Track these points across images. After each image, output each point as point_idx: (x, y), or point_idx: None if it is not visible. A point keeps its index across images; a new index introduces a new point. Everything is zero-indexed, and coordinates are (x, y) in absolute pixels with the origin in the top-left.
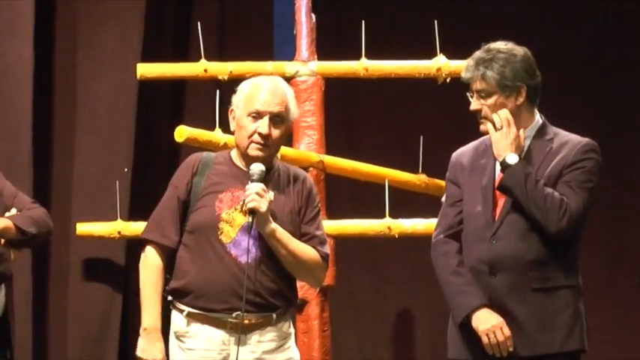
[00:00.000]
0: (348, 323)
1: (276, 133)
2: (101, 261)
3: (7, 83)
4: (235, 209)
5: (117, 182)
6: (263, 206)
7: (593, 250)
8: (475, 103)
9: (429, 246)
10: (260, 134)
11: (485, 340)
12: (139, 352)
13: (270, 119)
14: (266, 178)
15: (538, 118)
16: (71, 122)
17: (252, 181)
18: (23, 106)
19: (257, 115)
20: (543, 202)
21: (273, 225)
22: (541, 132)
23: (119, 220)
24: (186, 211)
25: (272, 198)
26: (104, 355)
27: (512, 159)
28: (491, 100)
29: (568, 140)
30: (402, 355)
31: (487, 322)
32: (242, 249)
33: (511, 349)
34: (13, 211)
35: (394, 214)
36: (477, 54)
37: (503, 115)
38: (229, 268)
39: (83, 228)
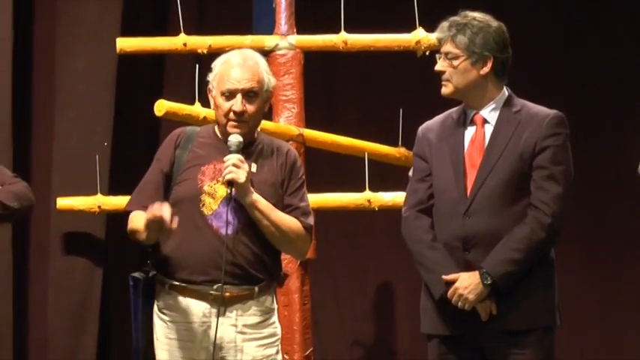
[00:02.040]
0: (328, 296)
1: (251, 108)
2: (81, 235)
3: None
4: (217, 181)
5: (97, 156)
6: (241, 177)
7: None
8: (440, 64)
9: None
10: (235, 112)
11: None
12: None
13: (243, 96)
14: (249, 151)
15: (505, 91)
16: (50, 97)
17: (230, 152)
18: (2, 81)
19: (230, 94)
20: (533, 246)
21: (255, 196)
22: (508, 104)
23: (99, 194)
24: (169, 184)
25: (254, 170)
26: (84, 330)
27: (489, 281)
28: (456, 63)
29: (536, 112)
30: (382, 327)
31: (466, 280)
32: (223, 221)
33: (494, 312)
34: None
35: (374, 188)
36: (453, 18)
37: None
38: (210, 239)
39: (63, 202)
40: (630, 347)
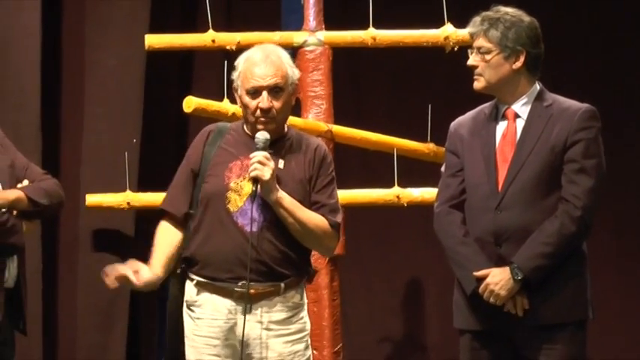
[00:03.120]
0: (357, 292)
1: (278, 103)
2: (110, 232)
3: (15, 55)
4: (244, 178)
5: (126, 153)
6: (266, 174)
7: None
8: (473, 59)
9: None
10: (261, 109)
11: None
12: None
13: (269, 92)
14: (278, 146)
15: (536, 86)
16: (80, 94)
17: (257, 149)
18: (31, 78)
19: (255, 92)
20: (563, 240)
21: (280, 193)
22: (540, 98)
23: (128, 191)
24: (199, 181)
25: (281, 166)
26: (113, 327)
27: (519, 276)
28: (488, 57)
29: (568, 106)
30: (412, 323)
31: (497, 275)
32: (248, 218)
33: (526, 307)
34: (25, 182)
35: (403, 183)
36: (485, 13)
37: None
38: (235, 236)
39: (92, 199)
40: None
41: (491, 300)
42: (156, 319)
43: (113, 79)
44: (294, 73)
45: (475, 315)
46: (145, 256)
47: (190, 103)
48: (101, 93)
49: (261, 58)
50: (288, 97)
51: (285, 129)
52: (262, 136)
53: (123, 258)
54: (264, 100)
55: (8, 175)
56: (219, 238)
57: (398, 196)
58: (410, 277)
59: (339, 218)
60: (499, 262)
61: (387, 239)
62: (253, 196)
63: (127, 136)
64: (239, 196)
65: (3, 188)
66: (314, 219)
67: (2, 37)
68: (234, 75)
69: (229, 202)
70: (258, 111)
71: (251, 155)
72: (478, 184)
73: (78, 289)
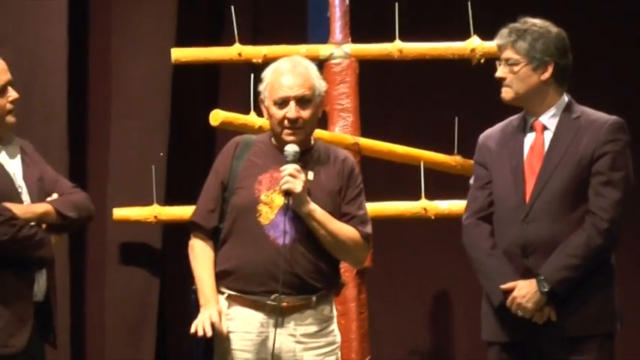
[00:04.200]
0: (385, 305)
1: (305, 114)
2: (138, 245)
3: (42, 68)
4: (274, 191)
5: (153, 167)
6: (298, 187)
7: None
8: (501, 70)
9: None
10: (289, 119)
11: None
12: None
13: (297, 102)
14: (306, 158)
15: (564, 97)
16: (106, 107)
17: (287, 162)
18: (58, 91)
19: (283, 102)
20: (590, 252)
21: (312, 205)
22: (568, 110)
23: (155, 204)
24: (227, 194)
25: (311, 178)
26: (141, 341)
27: (546, 288)
28: (516, 69)
29: (596, 119)
30: (440, 335)
31: (524, 288)
32: (280, 231)
33: (553, 318)
34: (55, 195)
35: (430, 196)
36: (512, 24)
37: None
38: (267, 250)
39: (119, 213)
40: None
41: (519, 313)
42: (185, 333)
43: (140, 91)
44: (321, 84)
45: (503, 327)
46: (172, 270)
47: (217, 116)
48: (128, 106)
49: (288, 69)
50: (316, 108)
51: (312, 141)
52: (292, 148)
53: (150, 272)
54: (291, 110)
55: (37, 189)
56: (251, 251)
57: (425, 209)
58: (438, 290)
59: (369, 229)
60: (526, 274)
61: (415, 252)
62: (286, 208)
63: (153, 149)
64: (270, 208)
65: (32, 202)
66: (345, 230)
67: (29, 51)
68: (261, 87)
69: (260, 215)
70: (286, 121)
71: (281, 168)
72: (506, 196)
73: (106, 302)
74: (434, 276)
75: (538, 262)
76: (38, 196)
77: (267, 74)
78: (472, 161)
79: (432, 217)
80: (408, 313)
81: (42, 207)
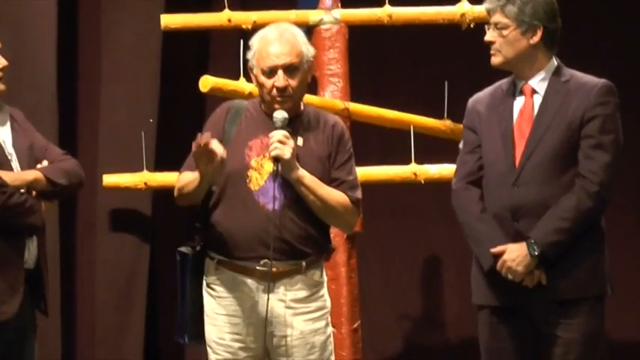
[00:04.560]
0: (375, 270)
1: (293, 82)
2: (128, 212)
3: (31, 35)
4: (264, 156)
5: (142, 133)
6: (287, 153)
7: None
8: (490, 34)
9: None
10: (277, 88)
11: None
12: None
13: (284, 71)
14: (295, 124)
15: (554, 61)
16: (96, 73)
17: (276, 128)
18: (47, 58)
19: (271, 71)
20: (581, 216)
21: (301, 171)
22: (557, 74)
23: (145, 170)
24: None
25: (300, 144)
26: (132, 306)
27: (536, 251)
28: (505, 32)
29: (585, 82)
30: (430, 299)
31: (513, 252)
32: (269, 196)
33: (544, 282)
34: (45, 163)
35: (420, 160)
36: None
37: None
38: (256, 215)
39: (109, 179)
40: None
41: (509, 276)
42: (175, 298)
43: (129, 58)
44: (309, 50)
45: (493, 291)
46: (162, 236)
47: (207, 82)
48: (117, 72)
49: (275, 37)
50: (304, 75)
51: (302, 107)
52: (281, 115)
53: (140, 238)
54: (279, 79)
55: (27, 157)
56: (241, 216)
57: (415, 173)
58: (428, 254)
59: (359, 194)
60: (516, 237)
61: (405, 216)
62: (275, 175)
63: (143, 115)
64: (260, 174)
65: (22, 169)
66: (335, 195)
67: (17, 18)
68: (249, 54)
69: (250, 180)
70: (275, 90)
71: (270, 134)
72: (495, 160)
73: (96, 269)
74: (424, 240)
75: (528, 225)
76: (28, 163)
77: (254, 42)
78: (462, 125)
79: (422, 182)
80: (398, 278)
81: (32, 174)
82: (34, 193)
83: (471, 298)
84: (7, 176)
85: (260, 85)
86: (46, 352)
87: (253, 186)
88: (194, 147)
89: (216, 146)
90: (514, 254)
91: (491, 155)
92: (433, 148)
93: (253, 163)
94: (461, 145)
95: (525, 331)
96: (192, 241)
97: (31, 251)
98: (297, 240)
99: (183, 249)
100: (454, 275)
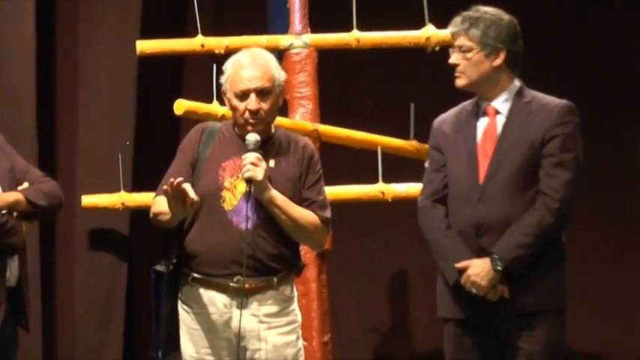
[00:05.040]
0: (344, 285)
1: (265, 105)
2: (106, 231)
3: (10, 59)
4: (237, 177)
5: (119, 155)
6: (259, 175)
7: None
8: (455, 57)
9: None
10: (250, 111)
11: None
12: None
13: (257, 94)
14: (267, 146)
15: (516, 82)
16: (73, 96)
17: (249, 150)
18: (26, 83)
19: (243, 95)
20: (542, 231)
21: (273, 192)
22: (519, 95)
23: (122, 191)
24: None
25: (272, 165)
26: (110, 324)
27: (500, 266)
28: (469, 55)
29: (547, 103)
30: (397, 313)
31: (477, 267)
32: (243, 216)
33: (506, 296)
34: (25, 184)
35: (387, 179)
36: (465, 12)
37: None
38: (230, 234)
39: (88, 200)
40: (636, 331)
41: (473, 290)
42: (151, 314)
43: (106, 82)
44: (280, 75)
45: (458, 304)
46: (139, 255)
47: (181, 105)
48: (94, 96)
49: (248, 62)
50: (276, 98)
51: (273, 129)
52: (253, 137)
53: (118, 257)
54: (252, 103)
55: (8, 179)
56: (215, 235)
57: (382, 192)
58: (395, 270)
59: (328, 214)
60: (480, 253)
61: (373, 234)
62: (248, 195)
63: (120, 138)
64: (233, 195)
65: (3, 191)
66: (305, 215)
67: None
68: (223, 79)
69: (224, 200)
70: (247, 113)
71: (243, 157)
72: (460, 178)
73: (75, 287)
74: (392, 256)
75: (491, 241)
76: (9, 185)
77: (227, 67)
78: (427, 145)
79: (389, 200)
80: (367, 292)
81: (13, 196)
82: (15, 214)
83: (437, 311)
84: None
85: (233, 109)
86: None
87: (227, 206)
88: (167, 187)
89: (188, 189)
90: (478, 269)
91: (457, 173)
92: (400, 168)
93: (227, 184)
94: (427, 165)
95: (489, 342)
96: (167, 260)
97: (12, 270)
98: (269, 258)
99: (158, 267)
100: (420, 289)
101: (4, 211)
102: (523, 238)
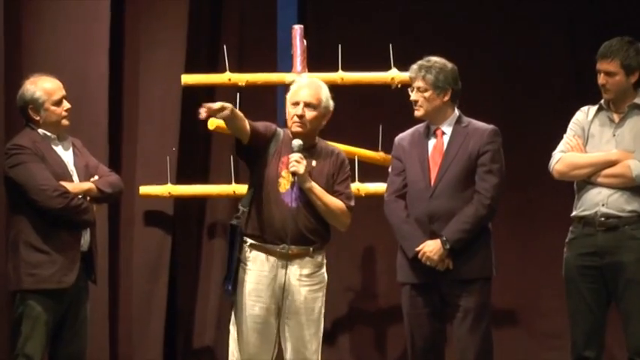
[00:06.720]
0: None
1: (309, 114)
2: (156, 213)
3: (89, 87)
4: (288, 170)
5: (167, 157)
6: (301, 169)
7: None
8: (414, 95)
9: None
10: (296, 115)
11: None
12: None
13: (304, 105)
14: (312, 151)
15: (456, 112)
16: (135, 115)
17: (293, 151)
18: (100, 102)
19: (295, 103)
20: (477, 220)
21: (312, 183)
22: (459, 121)
23: (169, 184)
24: (259, 152)
25: (314, 164)
26: (158, 279)
27: (447, 245)
28: (426, 94)
29: (479, 127)
30: (367, 278)
31: (431, 245)
32: (291, 198)
33: (450, 267)
34: (96, 177)
35: (362, 180)
36: (420, 62)
37: None
38: (282, 211)
39: (144, 190)
40: (542, 293)
41: (427, 263)
42: (189, 275)
43: (159, 104)
44: (328, 101)
45: (413, 272)
46: (180, 231)
47: (213, 123)
48: (151, 115)
49: (305, 84)
50: (319, 115)
51: (316, 140)
52: (297, 142)
53: (165, 232)
54: (299, 109)
55: (84, 173)
56: (271, 211)
57: (358, 189)
58: (366, 245)
59: (352, 203)
60: (432, 235)
61: (352, 219)
62: (293, 184)
63: (168, 145)
64: (287, 181)
65: (80, 181)
66: (335, 202)
67: (81, 74)
68: (287, 95)
69: (280, 185)
70: (295, 117)
71: (290, 156)
72: (416, 180)
73: (133, 252)
74: (363, 236)
75: (440, 227)
76: (85, 177)
77: (292, 86)
78: (391, 156)
79: (363, 195)
80: (345, 263)
81: (87, 185)
82: (88, 198)
83: (397, 277)
84: (70, 186)
85: (288, 114)
86: (96, 311)
87: (281, 189)
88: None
89: (214, 105)
90: (431, 247)
91: (413, 177)
92: (371, 172)
93: (283, 173)
94: (390, 170)
95: (436, 301)
96: (238, 219)
97: (85, 239)
98: (308, 231)
99: (233, 221)
100: (385, 261)
101: (80, 196)
102: (463, 225)
